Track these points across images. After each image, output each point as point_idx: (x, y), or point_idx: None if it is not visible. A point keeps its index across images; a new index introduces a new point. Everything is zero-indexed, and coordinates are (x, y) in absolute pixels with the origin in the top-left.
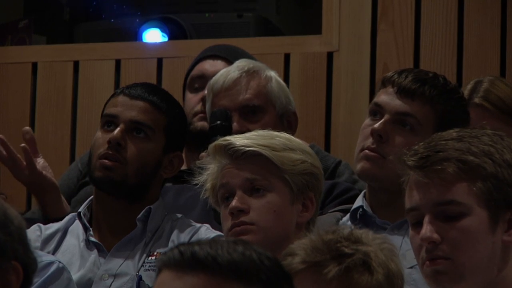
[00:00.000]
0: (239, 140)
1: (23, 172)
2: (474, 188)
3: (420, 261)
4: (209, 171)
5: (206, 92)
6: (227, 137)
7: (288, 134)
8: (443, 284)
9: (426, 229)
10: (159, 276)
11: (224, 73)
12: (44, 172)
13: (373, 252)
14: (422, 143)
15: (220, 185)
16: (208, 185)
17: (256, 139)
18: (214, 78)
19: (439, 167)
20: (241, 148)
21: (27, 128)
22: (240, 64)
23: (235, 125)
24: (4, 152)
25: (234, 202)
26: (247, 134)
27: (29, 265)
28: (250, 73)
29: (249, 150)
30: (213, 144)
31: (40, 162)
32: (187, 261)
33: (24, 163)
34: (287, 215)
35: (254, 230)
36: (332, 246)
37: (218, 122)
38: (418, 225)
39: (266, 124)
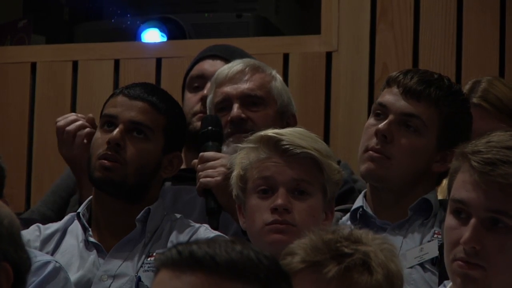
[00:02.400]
0: (291, 137)
1: (67, 146)
2: None
3: (451, 256)
4: (240, 156)
5: (205, 91)
6: (278, 131)
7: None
8: None
9: (472, 234)
10: (157, 275)
11: (229, 65)
12: (84, 155)
13: (373, 252)
14: (485, 140)
15: (260, 176)
16: (238, 171)
17: (307, 140)
18: (218, 70)
19: (503, 181)
20: (296, 147)
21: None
22: (246, 59)
23: (235, 110)
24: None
25: (281, 200)
26: (295, 132)
27: (21, 265)
28: (255, 68)
29: (304, 151)
30: (262, 133)
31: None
32: (185, 260)
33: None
34: (319, 222)
35: (294, 232)
36: (332, 245)
37: (209, 127)
38: (458, 216)
39: (267, 116)
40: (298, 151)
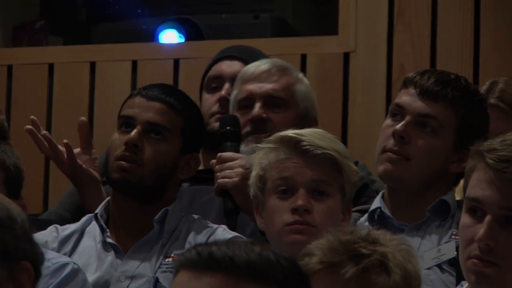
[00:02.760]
0: (311, 138)
1: (64, 165)
2: None
3: (466, 254)
4: (259, 156)
5: (223, 92)
6: (299, 131)
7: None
8: (484, 287)
9: (486, 231)
10: (176, 276)
11: (256, 63)
12: (85, 165)
13: (390, 253)
14: (500, 139)
15: (280, 177)
16: (258, 171)
17: (326, 141)
18: (244, 68)
19: None
20: (316, 148)
21: (84, 120)
22: (274, 59)
23: (257, 110)
24: (47, 146)
25: (301, 201)
26: (315, 133)
27: (38, 260)
28: (282, 69)
29: (324, 152)
30: (282, 134)
31: (87, 156)
32: (205, 261)
33: (66, 156)
34: (337, 223)
35: (314, 233)
36: (349, 246)
37: (228, 127)
38: (474, 214)
39: (288, 119)
40: (318, 152)
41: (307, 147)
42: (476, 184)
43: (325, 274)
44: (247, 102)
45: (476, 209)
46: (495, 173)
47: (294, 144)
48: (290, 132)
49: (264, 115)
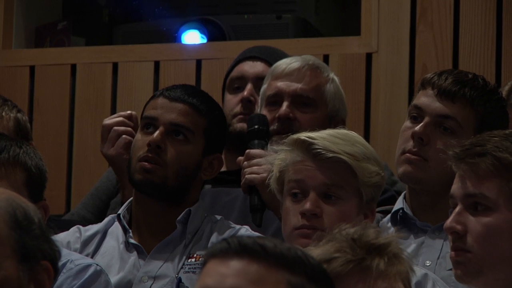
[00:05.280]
0: (323, 141)
1: (109, 145)
2: (505, 187)
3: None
4: (279, 157)
5: (245, 93)
6: (312, 134)
7: (362, 138)
8: (462, 276)
9: (451, 219)
10: (205, 266)
11: (288, 60)
12: (125, 156)
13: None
14: (474, 137)
15: (293, 179)
16: (276, 172)
17: (339, 144)
18: (276, 63)
19: (473, 161)
20: (326, 152)
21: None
22: (307, 57)
23: (284, 109)
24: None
25: (309, 205)
26: (329, 136)
27: (55, 258)
28: (313, 68)
29: (334, 156)
30: (295, 137)
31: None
32: (234, 248)
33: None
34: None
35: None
36: (366, 241)
37: (256, 126)
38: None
39: (315, 119)
40: (329, 155)
41: (319, 150)
42: (453, 182)
43: (357, 272)
44: (275, 98)
45: (454, 205)
46: (457, 163)
47: (306, 148)
48: (304, 135)
49: (291, 115)
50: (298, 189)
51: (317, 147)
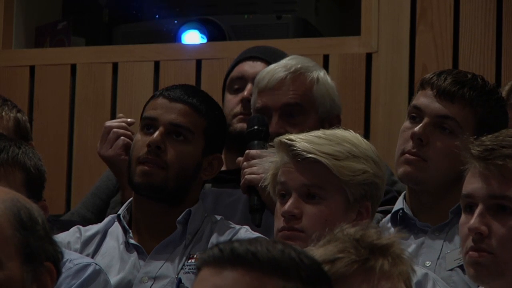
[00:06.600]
0: (302, 142)
1: (108, 146)
2: None
3: (464, 249)
4: (273, 159)
5: (246, 93)
6: (292, 136)
7: (357, 135)
8: (482, 278)
9: (476, 219)
10: (198, 274)
11: (271, 71)
12: (123, 156)
13: (396, 242)
14: (490, 135)
15: (279, 181)
16: (270, 173)
17: (320, 144)
18: (260, 74)
19: (501, 163)
20: (302, 152)
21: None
22: (288, 62)
23: (273, 125)
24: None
25: (287, 206)
26: (313, 137)
27: (58, 259)
28: (296, 74)
29: (310, 156)
30: (278, 139)
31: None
32: (226, 257)
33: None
34: (336, 224)
35: (302, 237)
36: (368, 242)
37: (255, 127)
38: (469, 211)
39: (306, 127)
40: (307, 156)
41: (295, 152)
42: (468, 181)
43: (361, 272)
44: (263, 112)
45: (472, 205)
46: (480, 163)
47: (286, 150)
48: (284, 138)
49: (282, 130)
50: (284, 191)
51: (295, 148)
